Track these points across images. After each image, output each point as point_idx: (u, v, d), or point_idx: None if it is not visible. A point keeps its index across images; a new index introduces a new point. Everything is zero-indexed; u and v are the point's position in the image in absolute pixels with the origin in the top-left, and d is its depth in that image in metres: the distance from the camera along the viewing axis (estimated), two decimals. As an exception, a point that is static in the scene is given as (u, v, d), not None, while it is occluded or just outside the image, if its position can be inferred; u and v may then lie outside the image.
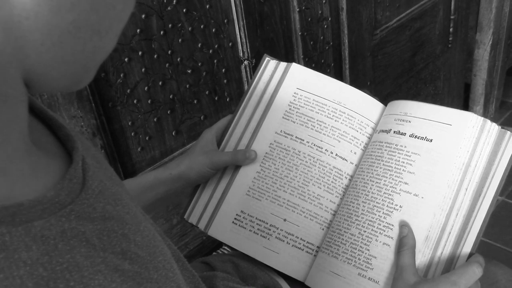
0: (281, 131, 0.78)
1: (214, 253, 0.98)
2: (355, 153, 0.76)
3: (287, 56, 1.24)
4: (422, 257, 0.65)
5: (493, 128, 0.67)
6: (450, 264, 0.65)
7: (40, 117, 0.40)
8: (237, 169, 0.78)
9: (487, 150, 0.67)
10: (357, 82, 1.46)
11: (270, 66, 0.82)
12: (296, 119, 0.78)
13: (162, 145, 1.07)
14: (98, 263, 0.32)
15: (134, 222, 0.38)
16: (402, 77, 1.69)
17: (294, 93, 0.79)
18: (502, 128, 0.67)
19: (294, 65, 0.81)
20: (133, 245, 0.36)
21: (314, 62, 1.31)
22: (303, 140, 0.77)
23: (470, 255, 0.65)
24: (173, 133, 1.08)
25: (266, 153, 0.77)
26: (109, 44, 0.35)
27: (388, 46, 1.57)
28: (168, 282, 0.38)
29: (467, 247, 0.65)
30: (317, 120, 0.77)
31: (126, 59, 0.95)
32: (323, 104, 0.78)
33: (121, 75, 0.95)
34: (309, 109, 0.78)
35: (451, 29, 1.83)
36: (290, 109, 0.79)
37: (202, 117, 1.13)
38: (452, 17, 1.80)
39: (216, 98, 1.14)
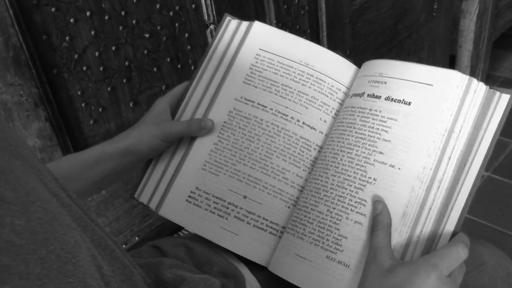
0: (241, 97, 0.69)
1: (175, 235, 0.89)
2: (324, 121, 0.68)
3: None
4: (398, 236, 0.57)
5: (480, 88, 0.58)
6: (431, 245, 0.57)
7: None
8: (193, 141, 0.69)
9: (473, 113, 0.58)
10: (335, 50, 1.37)
11: (231, 26, 0.74)
12: (258, 84, 0.69)
13: (118, 117, 0.97)
14: None
15: (21, 202, 0.30)
16: (384, 46, 1.60)
17: (256, 54, 0.70)
18: (490, 88, 0.58)
19: (256, 23, 0.72)
20: (7, 230, 0.28)
21: (289, 28, 1.21)
22: (266, 107, 0.68)
23: (454, 234, 0.57)
24: (131, 104, 0.98)
25: (225, 122, 0.69)
26: None
27: (369, 12, 1.47)
28: (61, 277, 0.29)
29: (450, 225, 0.57)
30: (281, 85, 0.68)
31: (71, 20, 0.84)
32: (288, 66, 0.69)
33: (67, 38, 0.85)
34: (272, 72, 0.69)
35: (435, -4, 1.74)
36: (251, 72, 0.70)
37: (163, 87, 1.03)
38: (436, -17, 1.71)
39: (178, 66, 1.04)
